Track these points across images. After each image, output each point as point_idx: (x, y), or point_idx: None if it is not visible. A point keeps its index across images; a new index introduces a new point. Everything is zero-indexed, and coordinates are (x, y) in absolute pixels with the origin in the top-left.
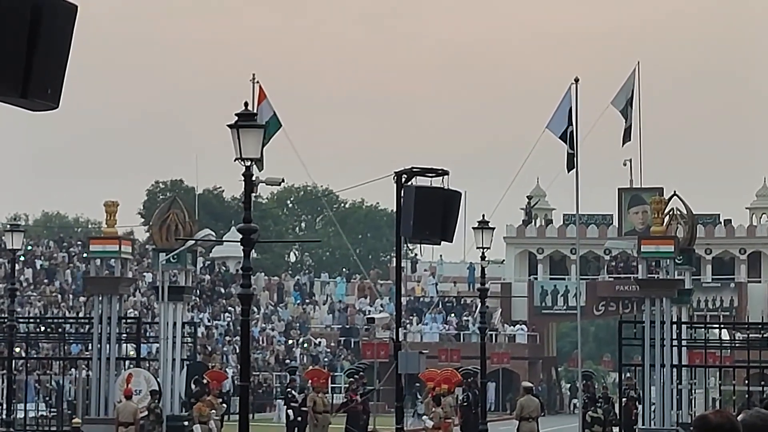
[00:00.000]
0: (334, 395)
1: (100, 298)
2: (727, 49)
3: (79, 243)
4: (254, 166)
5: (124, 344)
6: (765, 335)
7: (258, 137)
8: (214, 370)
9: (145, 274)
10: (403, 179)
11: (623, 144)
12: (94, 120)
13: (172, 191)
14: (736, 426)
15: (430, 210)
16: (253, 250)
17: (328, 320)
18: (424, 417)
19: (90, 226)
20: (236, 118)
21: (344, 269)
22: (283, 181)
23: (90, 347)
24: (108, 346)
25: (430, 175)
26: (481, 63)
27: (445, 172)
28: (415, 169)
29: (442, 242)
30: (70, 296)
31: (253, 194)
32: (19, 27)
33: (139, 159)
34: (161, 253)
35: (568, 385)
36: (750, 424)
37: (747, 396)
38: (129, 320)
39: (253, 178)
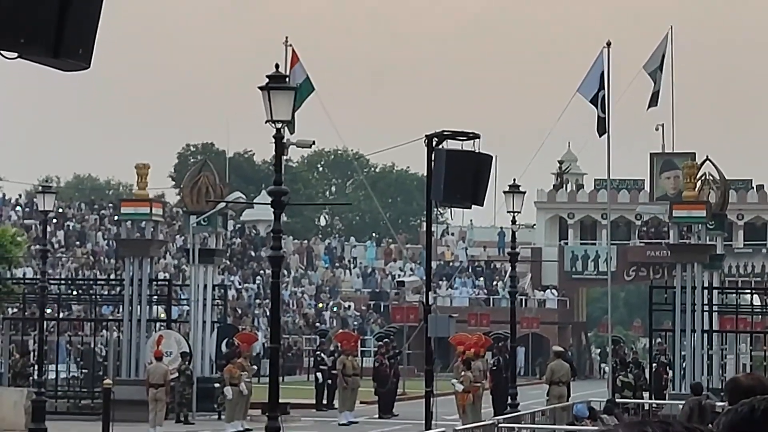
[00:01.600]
0: (364, 358)
1: (131, 260)
2: (762, 11)
3: (110, 205)
4: (285, 128)
5: (155, 306)
6: None
7: (289, 99)
8: (244, 332)
9: (176, 237)
10: (434, 143)
11: (648, 107)
12: (126, 83)
13: (203, 154)
14: None
15: (460, 173)
16: (284, 214)
17: (357, 284)
18: (454, 381)
19: (121, 188)
20: (267, 80)
21: (374, 233)
22: (314, 143)
23: (121, 309)
24: (139, 307)
25: (461, 138)
26: (512, 27)
27: (476, 136)
28: (446, 133)
29: (473, 206)
30: (102, 258)
31: (284, 157)
32: None
33: (170, 122)
34: (192, 215)
35: (598, 350)
36: None
37: None
38: (160, 282)
39: (284, 141)
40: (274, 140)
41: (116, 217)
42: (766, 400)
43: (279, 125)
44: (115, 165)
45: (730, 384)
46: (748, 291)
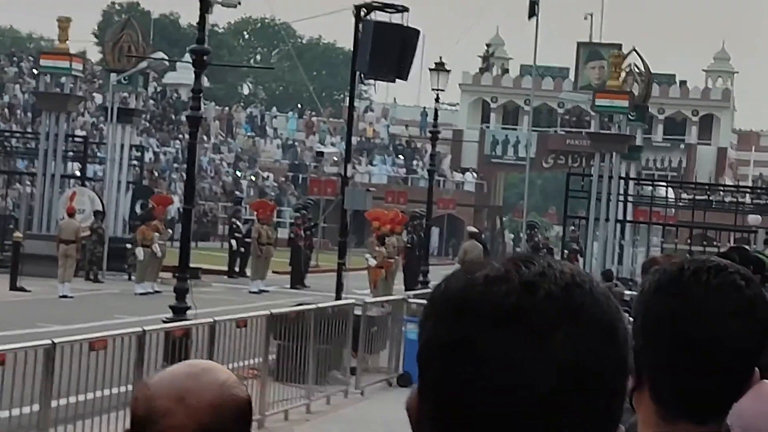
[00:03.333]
0: (279, 229)
1: (49, 115)
2: None
3: (30, 58)
4: None
5: (70, 163)
6: (710, 197)
7: None
8: (159, 194)
9: (95, 95)
10: (362, 13)
11: None
12: None
13: (128, 13)
14: None
15: (387, 46)
16: (206, 79)
17: (277, 155)
18: (367, 256)
19: (43, 43)
20: None
21: (298, 105)
22: (239, 3)
23: (36, 163)
24: (54, 163)
25: (389, 11)
26: None
27: (405, 9)
28: (374, 4)
29: (397, 81)
30: (19, 112)
31: (209, 21)
32: None
33: None
34: (113, 73)
35: (512, 236)
36: None
37: (688, 256)
38: (76, 139)
39: None
40: None
41: (35, 71)
42: (696, 262)
43: None
44: (37, 19)
45: (647, 264)
46: (664, 184)
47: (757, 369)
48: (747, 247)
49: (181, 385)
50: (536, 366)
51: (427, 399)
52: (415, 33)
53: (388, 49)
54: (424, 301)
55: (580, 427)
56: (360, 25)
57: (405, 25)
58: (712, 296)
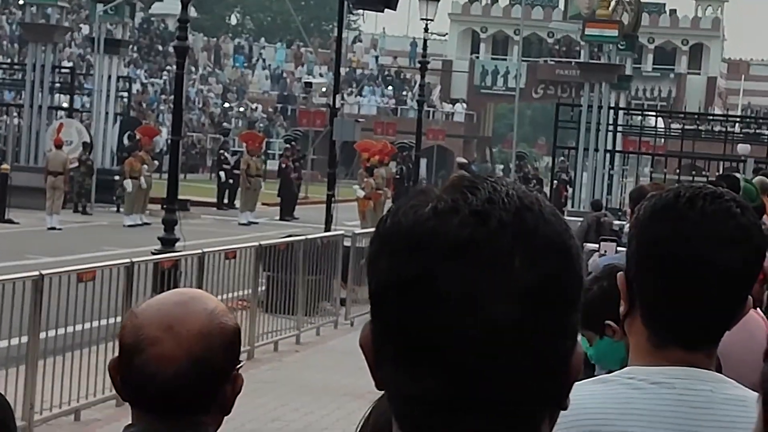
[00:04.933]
0: (268, 161)
1: (35, 46)
2: None
3: None
4: None
5: (57, 94)
6: (699, 126)
7: None
8: (147, 125)
9: (81, 25)
10: None
11: None
12: None
13: None
14: None
15: None
16: (193, 10)
17: (266, 86)
18: (356, 187)
19: None
20: None
21: (286, 35)
22: None
23: (22, 95)
24: (41, 94)
25: None
26: None
27: None
28: None
29: (386, 11)
30: (5, 43)
31: None
32: None
33: None
34: (99, 3)
35: (501, 166)
36: None
37: (677, 185)
38: (63, 70)
39: None
40: None
41: (21, 1)
42: (692, 189)
43: None
44: None
45: (635, 192)
46: (653, 114)
47: (750, 297)
48: (736, 175)
49: (169, 313)
50: (497, 295)
51: (386, 339)
52: None
53: None
54: None
55: (546, 348)
56: None
57: None
58: (707, 222)
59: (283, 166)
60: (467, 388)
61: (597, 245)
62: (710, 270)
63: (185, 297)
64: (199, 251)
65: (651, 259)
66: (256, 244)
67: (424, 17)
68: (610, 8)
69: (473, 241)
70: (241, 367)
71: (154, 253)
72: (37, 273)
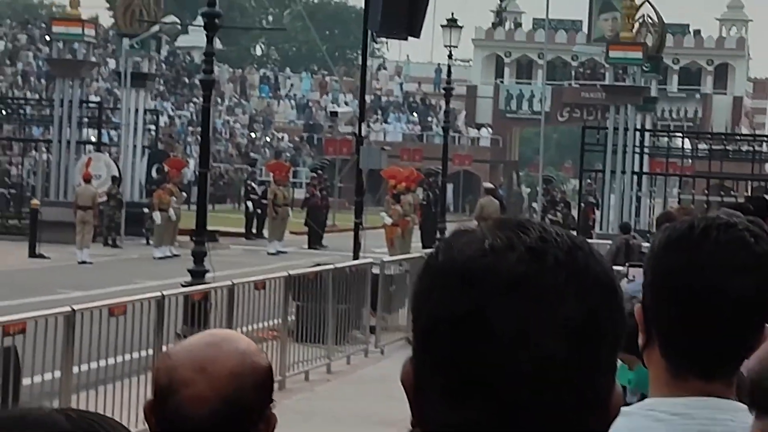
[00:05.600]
0: (295, 190)
1: (63, 81)
2: None
3: (43, 25)
4: None
5: (85, 129)
6: (727, 146)
7: None
8: (174, 158)
9: (108, 60)
10: None
11: None
12: None
13: None
14: None
15: (398, 4)
16: (218, 41)
17: (292, 115)
18: (383, 214)
19: (54, 9)
20: None
21: (311, 65)
22: None
23: (51, 130)
24: (69, 129)
25: None
26: None
27: None
28: None
29: (410, 39)
30: (32, 79)
31: None
32: None
33: None
34: (125, 38)
35: (528, 190)
36: None
37: (705, 206)
38: (91, 105)
39: None
40: None
41: (48, 37)
42: (706, 219)
43: None
44: None
45: (662, 217)
46: (680, 135)
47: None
48: (766, 197)
49: (201, 355)
50: (549, 331)
51: (435, 372)
52: None
53: (399, 7)
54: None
55: (590, 384)
56: None
57: None
58: (720, 251)
59: (310, 195)
60: (512, 422)
61: (625, 269)
62: (724, 299)
63: (217, 338)
64: (229, 282)
65: (666, 290)
66: (285, 274)
67: (448, 44)
68: (634, 30)
69: (528, 277)
70: (273, 405)
71: (184, 285)
72: (68, 308)
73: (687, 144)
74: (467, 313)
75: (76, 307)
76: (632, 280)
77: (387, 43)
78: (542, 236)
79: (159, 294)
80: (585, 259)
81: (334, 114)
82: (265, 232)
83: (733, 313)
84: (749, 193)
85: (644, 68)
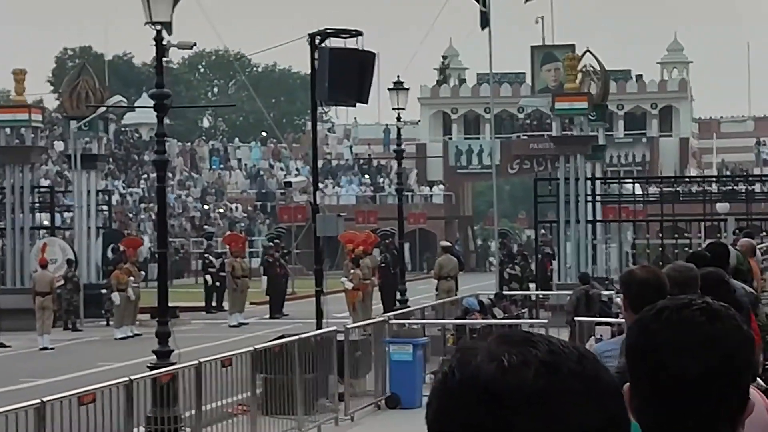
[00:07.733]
0: (252, 260)
1: (12, 168)
2: None
3: None
4: (165, 30)
5: (38, 213)
6: (677, 188)
7: (168, 0)
8: (130, 237)
9: (55, 142)
10: (317, 41)
11: (526, 1)
12: None
13: (81, 58)
14: (662, 280)
15: (344, 72)
16: (166, 117)
17: (244, 185)
18: (343, 279)
19: None
20: None
21: (262, 132)
22: (195, 45)
23: (3, 218)
24: (21, 215)
25: (344, 36)
26: None
27: (359, 33)
28: (328, 30)
29: (358, 104)
30: None
31: (165, 59)
32: None
33: (47, 26)
34: (72, 120)
35: (480, 242)
36: (668, 277)
37: (660, 249)
38: (42, 189)
39: (164, 43)
40: (154, 42)
41: None
42: (667, 301)
43: (159, 27)
44: None
45: (625, 276)
46: (630, 180)
47: (750, 401)
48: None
49: None
50: None
51: None
52: (371, 56)
53: (346, 75)
54: (405, 321)
55: None
56: (316, 53)
57: (360, 48)
58: (671, 333)
59: (270, 260)
60: None
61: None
62: (677, 379)
63: None
64: (195, 362)
65: (632, 371)
66: (251, 348)
67: (396, 107)
68: (577, 80)
69: (547, 390)
70: None
71: (150, 368)
72: (38, 401)
73: (638, 189)
74: (494, 430)
75: (45, 399)
76: (600, 339)
77: (335, 108)
78: (551, 349)
79: (127, 379)
80: (594, 367)
81: (288, 184)
82: (226, 305)
83: (690, 391)
84: (702, 233)
85: (590, 117)
